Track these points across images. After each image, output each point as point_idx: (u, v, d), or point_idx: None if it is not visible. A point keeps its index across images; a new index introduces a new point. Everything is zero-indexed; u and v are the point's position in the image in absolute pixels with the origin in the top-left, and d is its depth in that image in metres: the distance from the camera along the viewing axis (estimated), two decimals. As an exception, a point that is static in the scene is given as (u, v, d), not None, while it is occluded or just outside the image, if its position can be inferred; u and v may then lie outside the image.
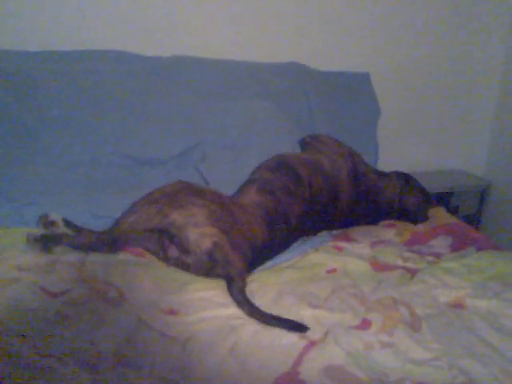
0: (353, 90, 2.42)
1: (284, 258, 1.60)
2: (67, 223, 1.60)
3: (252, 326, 1.26)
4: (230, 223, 1.53)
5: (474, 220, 2.81)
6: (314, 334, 1.25)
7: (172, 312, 1.31)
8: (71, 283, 1.34)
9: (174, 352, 1.17)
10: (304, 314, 1.32)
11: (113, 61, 2.08)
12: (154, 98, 2.05)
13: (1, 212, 1.64)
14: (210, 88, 2.15)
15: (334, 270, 1.55)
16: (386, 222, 1.88)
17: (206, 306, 1.34)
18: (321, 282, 1.48)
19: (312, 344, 1.21)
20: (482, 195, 2.82)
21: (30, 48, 2.01)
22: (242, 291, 1.38)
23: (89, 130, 1.94)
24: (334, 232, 1.77)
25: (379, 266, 1.58)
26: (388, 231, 1.82)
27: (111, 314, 1.26)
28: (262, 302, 1.36)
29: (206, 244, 1.45)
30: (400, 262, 1.61)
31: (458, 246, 1.71)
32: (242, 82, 2.20)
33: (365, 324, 1.30)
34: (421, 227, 1.84)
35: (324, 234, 1.73)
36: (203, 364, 1.13)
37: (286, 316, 1.30)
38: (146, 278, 1.42)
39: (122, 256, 1.52)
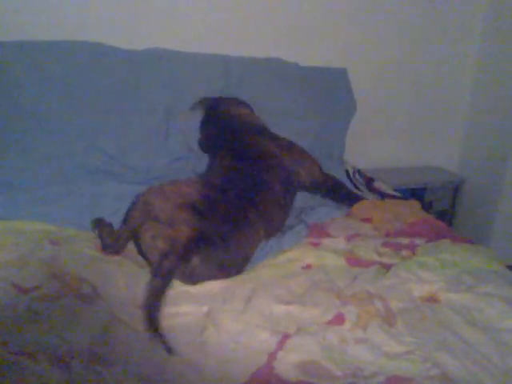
0: (330, 85, 2.43)
1: (260, 257, 1.59)
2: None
3: (226, 323, 1.25)
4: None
5: (447, 215, 2.85)
6: (287, 329, 1.25)
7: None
8: (43, 279, 1.32)
9: (147, 348, 1.15)
10: (277, 311, 1.32)
11: (88, 53, 2.04)
12: (130, 92, 2.03)
13: None
14: (187, 83, 2.13)
15: (309, 266, 1.55)
16: (363, 216, 1.89)
17: (180, 302, 1.33)
18: (296, 278, 1.48)
19: (286, 339, 1.21)
20: (456, 191, 2.86)
21: (5, 38, 1.96)
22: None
23: (61, 123, 1.91)
24: (310, 225, 1.77)
25: (354, 261, 1.58)
26: (365, 225, 1.82)
27: (84, 311, 1.24)
28: (235, 300, 1.35)
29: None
30: (375, 257, 1.61)
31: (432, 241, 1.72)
32: (222, 77, 2.19)
33: (339, 319, 1.30)
34: (397, 224, 1.85)
35: (300, 229, 1.72)
36: (177, 359, 1.12)
37: (257, 315, 1.29)
38: (120, 274, 1.41)
39: (94, 253, 1.51)
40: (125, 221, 1.62)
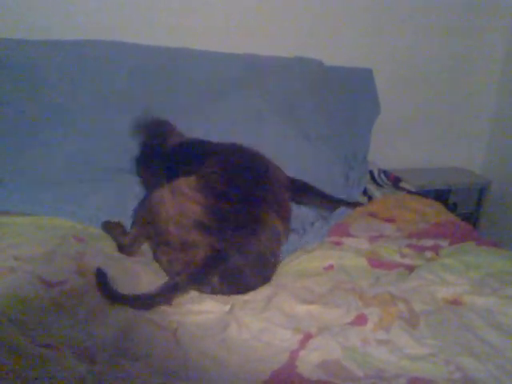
0: (354, 86, 2.42)
1: (282, 255, 1.59)
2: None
3: (248, 321, 1.26)
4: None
5: (471, 218, 2.82)
6: (309, 328, 1.25)
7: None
8: (68, 274, 1.34)
9: (170, 344, 1.17)
10: (298, 310, 1.32)
11: (114, 51, 2.07)
12: (157, 91, 2.04)
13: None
14: (210, 82, 2.14)
15: (331, 267, 1.54)
16: (386, 216, 1.88)
17: (204, 300, 1.34)
18: (317, 278, 1.47)
19: (307, 338, 1.21)
20: (481, 193, 2.82)
21: (29, 37, 1.99)
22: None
23: (88, 122, 1.94)
24: (333, 224, 1.76)
25: (376, 263, 1.57)
26: (388, 226, 1.81)
27: (108, 306, 1.26)
28: (256, 298, 1.36)
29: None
30: (398, 259, 1.60)
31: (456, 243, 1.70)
32: (247, 77, 2.19)
33: (361, 320, 1.29)
34: (421, 225, 1.83)
35: (321, 225, 1.72)
36: (200, 355, 1.13)
37: (279, 314, 1.29)
38: (143, 272, 1.43)
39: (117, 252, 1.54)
40: (135, 223, 1.61)
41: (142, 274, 1.42)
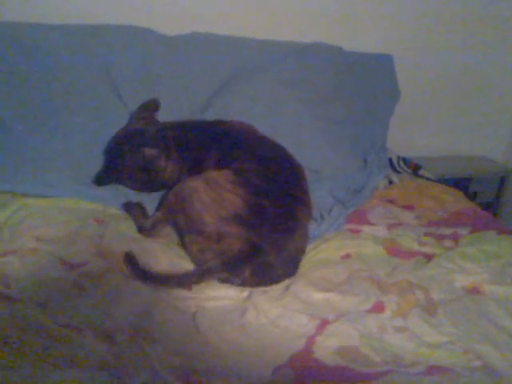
0: (374, 72, 2.39)
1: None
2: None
3: (266, 307, 1.26)
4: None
5: (492, 207, 2.78)
6: (326, 315, 1.25)
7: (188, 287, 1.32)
8: (89, 256, 1.35)
9: (188, 326, 1.18)
10: (316, 298, 1.32)
11: (131, 37, 2.07)
12: (169, 76, 2.04)
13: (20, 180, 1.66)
14: (231, 68, 2.13)
15: (348, 256, 1.54)
16: (405, 203, 1.86)
17: (222, 286, 1.35)
18: (335, 266, 1.47)
19: (325, 325, 1.22)
20: (502, 182, 2.78)
21: (52, 22, 2.00)
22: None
23: (105, 106, 1.95)
24: (351, 211, 1.76)
25: (394, 251, 1.57)
26: (406, 213, 1.80)
27: (128, 288, 1.27)
28: (273, 287, 1.37)
29: None
30: (416, 247, 1.59)
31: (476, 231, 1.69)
32: (264, 62, 2.18)
33: (379, 307, 1.30)
34: (440, 212, 1.81)
35: (338, 213, 1.71)
36: (218, 339, 1.15)
37: (296, 301, 1.30)
38: (163, 255, 1.44)
39: (137, 233, 1.55)
40: (161, 206, 1.61)
41: (162, 255, 1.43)
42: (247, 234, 1.38)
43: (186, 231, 1.47)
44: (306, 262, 1.50)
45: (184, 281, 1.32)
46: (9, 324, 1.07)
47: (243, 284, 1.37)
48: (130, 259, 1.33)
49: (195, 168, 1.67)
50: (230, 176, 1.51)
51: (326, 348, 1.14)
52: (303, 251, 1.52)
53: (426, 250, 1.57)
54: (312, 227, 1.63)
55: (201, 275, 1.34)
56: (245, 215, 1.41)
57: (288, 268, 1.43)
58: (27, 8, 2.02)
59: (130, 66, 2.02)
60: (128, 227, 1.56)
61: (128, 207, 1.66)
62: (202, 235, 1.41)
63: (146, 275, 1.31)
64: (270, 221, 1.42)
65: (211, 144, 1.71)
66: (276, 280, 1.40)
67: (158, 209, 1.64)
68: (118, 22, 2.08)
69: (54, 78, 1.91)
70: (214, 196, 1.44)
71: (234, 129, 1.79)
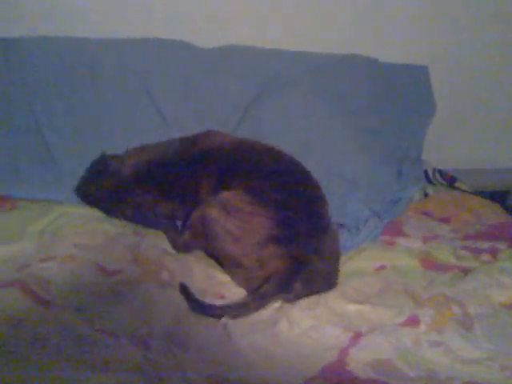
0: (409, 84, 2.37)
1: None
2: None
3: (298, 318, 1.26)
4: None
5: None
6: (360, 327, 1.24)
7: (220, 296, 1.34)
8: (126, 263, 1.39)
9: (220, 335, 1.19)
10: (349, 309, 1.32)
11: (171, 50, 2.11)
12: (202, 88, 2.08)
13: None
14: (265, 80, 2.15)
15: (383, 267, 1.53)
16: (441, 216, 1.83)
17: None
18: (368, 278, 1.47)
19: (358, 337, 1.21)
20: (542, 196, 2.70)
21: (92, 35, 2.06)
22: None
23: (139, 118, 1.98)
24: (386, 223, 1.74)
25: (430, 264, 1.55)
26: (443, 226, 1.77)
27: (163, 295, 1.29)
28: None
29: None
30: (453, 261, 1.57)
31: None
32: (298, 74, 2.19)
33: (414, 321, 1.27)
34: (477, 226, 1.78)
35: (375, 225, 1.70)
36: (250, 348, 1.15)
37: (329, 312, 1.29)
38: (197, 265, 1.46)
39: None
40: (188, 233, 1.54)
41: (196, 267, 1.45)
42: (287, 250, 1.36)
43: (224, 265, 1.45)
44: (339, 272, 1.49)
45: (242, 312, 1.27)
46: (48, 328, 1.10)
47: (297, 298, 1.35)
48: (185, 290, 1.29)
49: (189, 202, 1.62)
50: (244, 197, 1.45)
51: (359, 360, 1.13)
52: (338, 245, 1.51)
53: (463, 263, 1.55)
54: (347, 238, 1.62)
55: (258, 303, 1.30)
56: (277, 233, 1.38)
57: (331, 272, 1.43)
58: (65, 22, 2.09)
59: (169, 80, 2.06)
60: (163, 241, 1.57)
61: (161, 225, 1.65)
62: (241, 267, 1.39)
63: (202, 307, 1.27)
64: (302, 229, 1.41)
65: (197, 171, 1.64)
66: (322, 288, 1.39)
67: (182, 232, 1.59)
68: (154, 35, 2.12)
69: (94, 92, 1.96)
70: (239, 224, 1.40)
71: (214, 146, 1.70)
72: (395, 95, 2.32)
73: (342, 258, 1.55)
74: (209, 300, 1.30)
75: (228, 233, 1.40)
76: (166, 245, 1.56)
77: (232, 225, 1.40)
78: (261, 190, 1.48)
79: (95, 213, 1.63)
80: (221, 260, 1.45)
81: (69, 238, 1.45)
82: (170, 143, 1.77)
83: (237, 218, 1.40)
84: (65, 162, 1.84)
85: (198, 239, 1.49)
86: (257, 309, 1.28)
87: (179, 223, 1.67)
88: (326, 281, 1.40)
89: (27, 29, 2.01)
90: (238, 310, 1.28)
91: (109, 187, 1.67)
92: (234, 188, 1.50)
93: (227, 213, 1.41)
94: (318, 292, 1.37)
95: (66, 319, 1.14)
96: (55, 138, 1.89)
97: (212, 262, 1.50)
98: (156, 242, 1.55)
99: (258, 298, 1.31)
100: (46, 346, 1.05)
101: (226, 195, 1.47)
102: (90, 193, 1.69)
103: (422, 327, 1.25)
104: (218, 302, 1.31)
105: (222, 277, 1.43)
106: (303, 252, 1.37)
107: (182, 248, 1.52)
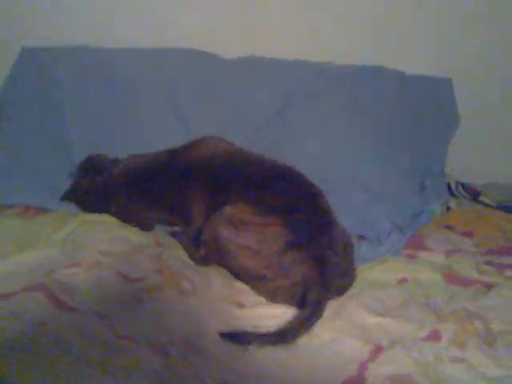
0: (432, 96, 2.35)
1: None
2: None
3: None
4: None
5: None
6: (380, 341, 1.23)
7: (240, 304, 1.35)
8: (148, 272, 1.40)
9: (237, 346, 1.18)
10: (369, 322, 1.31)
11: (193, 61, 2.14)
12: (232, 97, 2.09)
13: None
14: (289, 91, 2.16)
15: (404, 280, 1.52)
16: (464, 230, 1.81)
17: (273, 305, 1.37)
18: (390, 290, 1.46)
19: (378, 351, 1.20)
20: None
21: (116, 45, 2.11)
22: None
23: (161, 126, 2.03)
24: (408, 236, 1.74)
25: (452, 278, 1.53)
26: (465, 240, 1.76)
27: (183, 304, 1.31)
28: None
29: None
30: (476, 275, 1.55)
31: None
32: (323, 85, 2.19)
33: (435, 335, 1.26)
34: (501, 241, 1.76)
35: (397, 239, 1.69)
36: (271, 360, 1.15)
37: (349, 324, 1.29)
38: (217, 276, 1.47)
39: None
40: (201, 241, 1.54)
41: (215, 275, 1.47)
42: (307, 253, 1.36)
43: (244, 280, 1.44)
44: (359, 282, 1.48)
45: (305, 328, 1.24)
46: (71, 333, 1.12)
47: (337, 294, 1.38)
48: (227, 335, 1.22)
49: (178, 212, 1.64)
50: (248, 208, 1.44)
51: (379, 375, 1.12)
52: (348, 237, 1.53)
53: (486, 278, 1.53)
54: (368, 249, 1.62)
55: (317, 312, 1.28)
56: (293, 239, 1.38)
57: (346, 259, 1.45)
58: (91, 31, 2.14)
59: (193, 90, 2.08)
60: (184, 252, 1.59)
61: (175, 235, 1.67)
62: (264, 280, 1.38)
63: (261, 337, 1.21)
64: (313, 228, 1.42)
65: (185, 184, 1.63)
66: (345, 276, 1.42)
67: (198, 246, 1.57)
68: (178, 46, 2.15)
69: (121, 102, 2.01)
70: (252, 236, 1.39)
71: (204, 158, 1.67)
72: (419, 108, 2.31)
73: (363, 268, 1.55)
74: (228, 308, 1.32)
75: (243, 248, 1.40)
76: (186, 257, 1.57)
77: (245, 239, 1.40)
78: (262, 198, 1.47)
79: (115, 221, 1.66)
80: (241, 275, 1.44)
81: (93, 245, 1.47)
82: (164, 151, 1.77)
83: (248, 231, 1.40)
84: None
85: (215, 255, 1.49)
86: (318, 318, 1.27)
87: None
88: (346, 273, 1.42)
89: (60, 40, 2.07)
90: (299, 327, 1.23)
91: (99, 182, 1.73)
92: (232, 200, 1.49)
93: (236, 228, 1.41)
94: (342, 289, 1.39)
95: (88, 325, 1.16)
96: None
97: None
98: (177, 253, 1.57)
99: (312, 308, 1.28)
100: (69, 351, 1.07)
101: (229, 210, 1.45)
102: (80, 187, 1.74)
103: (444, 342, 1.24)
104: (237, 311, 1.32)
105: (241, 285, 1.43)
106: (321, 251, 1.37)
107: (200, 262, 1.53)
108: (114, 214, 1.67)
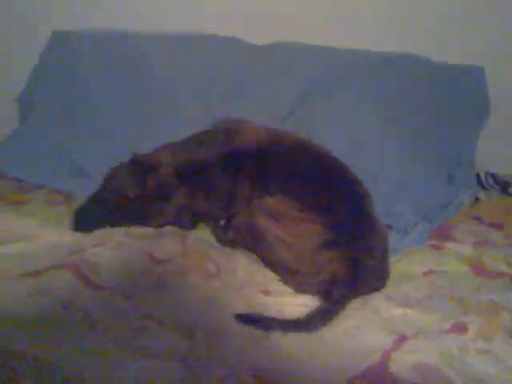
0: (464, 85, 2.30)
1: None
2: None
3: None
4: None
5: None
6: (405, 331, 1.23)
7: (266, 292, 1.35)
8: (174, 254, 1.41)
9: (260, 332, 1.18)
10: (394, 312, 1.30)
11: (222, 46, 2.14)
12: (256, 85, 2.09)
13: None
14: (317, 78, 2.14)
15: (430, 272, 1.51)
16: (492, 221, 1.78)
17: (299, 294, 1.37)
18: (416, 282, 1.45)
19: (403, 340, 1.19)
20: None
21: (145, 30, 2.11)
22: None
23: (193, 113, 2.02)
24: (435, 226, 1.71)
25: (480, 270, 1.51)
26: (494, 232, 1.73)
27: (207, 288, 1.31)
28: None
29: None
30: (504, 267, 1.53)
31: None
32: (350, 73, 2.17)
33: (461, 327, 1.25)
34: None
35: (424, 229, 1.66)
36: (295, 347, 1.15)
37: (374, 314, 1.28)
38: (241, 260, 1.48)
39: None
40: (230, 227, 1.56)
41: (239, 260, 1.47)
42: (342, 253, 1.35)
43: (276, 271, 1.43)
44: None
45: (323, 322, 1.23)
46: (97, 310, 1.14)
47: (367, 294, 1.37)
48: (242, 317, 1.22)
49: (224, 201, 1.62)
50: (288, 202, 1.44)
51: (403, 364, 1.12)
52: (387, 241, 1.48)
53: (515, 271, 1.50)
54: (395, 240, 1.60)
55: (337, 309, 1.27)
56: (329, 238, 1.37)
57: (381, 264, 1.42)
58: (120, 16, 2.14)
59: (218, 75, 2.08)
60: (209, 235, 1.60)
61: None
62: (297, 274, 1.38)
63: (281, 323, 1.21)
64: (350, 228, 1.40)
65: (234, 171, 1.62)
66: (377, 280, 1.39)
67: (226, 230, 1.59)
68: (203, 32, 2.15)
69: (145, 87, 2.01)
70: (290, 231, 1.40)
71: (250, 143, 1.65)
72: (448, 96, 2.26)
73: (391, 260, 1.53)
74: (254, 294, 1.32)
75: (280, 240, 1.40)
76: (211, 239, 1.58)
77: (283, 232, 1.40)
78: (302, 192, 1.47)
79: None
80: (273, 266, 1.44)
81: (119, 228, 1.49)
82: (202, 139, 1.71)
83: (286, 224, 1.40)
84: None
85: (243, 240, 1.50)
86: (337, 315, 1.26)
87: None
88: (378, 278, 1.40)
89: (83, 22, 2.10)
90: (320, 319, 1.24)
91: (152, 187, 1.58)
92: (273, 190, 1.50)
93: (276, 220, 1.42)
94: (373, 290, 1.37)
95: (114, 304, 1.18)
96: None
97: (254, 257, 1.50)
98: (202, 235, 1.58)
99: (334, 304, 1.28)
100: (95, 328, 1.09)
101: (270, 202, 1.47)
102: (126, 193, 1.56)
103: (470, 334, 1.23)
104: (264, 298, 1.32)
105: (268, 272, 1.43)
106: (356, 252, 1.36)
107: (228, 244, 1.54)
108: (165, 221, 1.59)
